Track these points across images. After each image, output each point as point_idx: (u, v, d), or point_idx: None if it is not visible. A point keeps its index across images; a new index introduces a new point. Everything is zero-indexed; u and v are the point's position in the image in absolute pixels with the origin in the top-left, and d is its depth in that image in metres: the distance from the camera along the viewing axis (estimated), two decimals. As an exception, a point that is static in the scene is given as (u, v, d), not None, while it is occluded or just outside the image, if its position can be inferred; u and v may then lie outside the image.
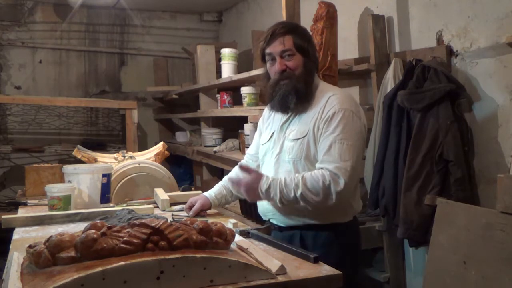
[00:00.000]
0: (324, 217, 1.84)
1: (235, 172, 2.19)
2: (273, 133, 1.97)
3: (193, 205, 2.10)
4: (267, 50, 1.89)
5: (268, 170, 1.95)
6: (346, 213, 1.88)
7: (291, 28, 1.90)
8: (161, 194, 2.32)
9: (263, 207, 1.96)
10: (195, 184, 4.44)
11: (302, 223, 1.85)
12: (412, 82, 2.38)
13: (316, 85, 1.91)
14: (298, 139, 1.84)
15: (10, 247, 1.65)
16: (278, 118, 1.96)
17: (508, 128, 2.22)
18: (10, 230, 1.90)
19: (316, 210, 1.81)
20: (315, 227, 1.84)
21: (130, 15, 5.39)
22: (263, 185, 1.77)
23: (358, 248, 1.99)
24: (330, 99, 1.83)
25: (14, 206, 2.55)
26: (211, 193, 2.15)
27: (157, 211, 2.21)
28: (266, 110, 2.09)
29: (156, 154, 2.88)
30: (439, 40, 2.55)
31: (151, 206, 2.22)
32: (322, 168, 1.75)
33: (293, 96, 1.84)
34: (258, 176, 1.80)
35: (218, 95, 4.01)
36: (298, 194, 1.73)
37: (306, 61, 1.87)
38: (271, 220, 1.95)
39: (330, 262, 1.44)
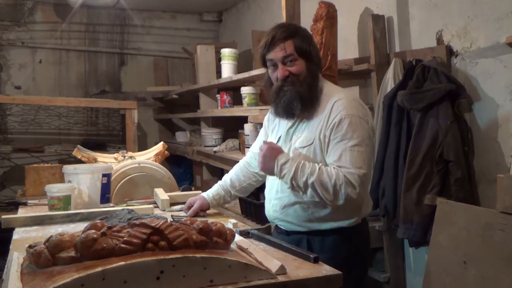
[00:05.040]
0: (330, 223, 1.81)
1: (234, 171, 2.20)
2: (279, 137, 1.93)
3: (192, 205, 2.11)
4: (268, 56, 1.83)
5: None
6: (353, 217, 1.84)
7: (291, 31, 1.82)
8: (161, 194, 2.32)
9: (269, 212, 1.95)
10: (195, 184, 4.44)
11: (307, 229, 1.84)
12: (412, 82, 2.38)
13: (320, 88, 1.85)
14: (304, 147, 1.80)
15: (10, 247, 1.65)
16: (284, 122, 1.92)
17: (508, 128, 2.22)
18: (10, 230, 1.90)
19: (321, 216, 1.80)
20: (321, 232, 1.82)
21: (130, 15, 5.39)
22: (281, 158, 1.74)
23: (366, 250, 1.97)
24: (335, 105, 1.77)
25: (14, 206, 2.55)
26: (209, 193, 2.15)
27: (157, 211, 2.21)
28: (272, 111, 2.02)
29: (156, 154, 2.89)
30: (439, 40, 2.55)
31: (151, 206, 2.22)
32: (340, 168, 1.70)
33: (298, 102, 1.78)
34: (280, 149, 1.79)
35: (218, 95, 4.01)
36: (310, 181, 1.68)
37: (309, 64, 1.82)
38: (278, 225, 1.94)
39: (337, 265, 1.42)
